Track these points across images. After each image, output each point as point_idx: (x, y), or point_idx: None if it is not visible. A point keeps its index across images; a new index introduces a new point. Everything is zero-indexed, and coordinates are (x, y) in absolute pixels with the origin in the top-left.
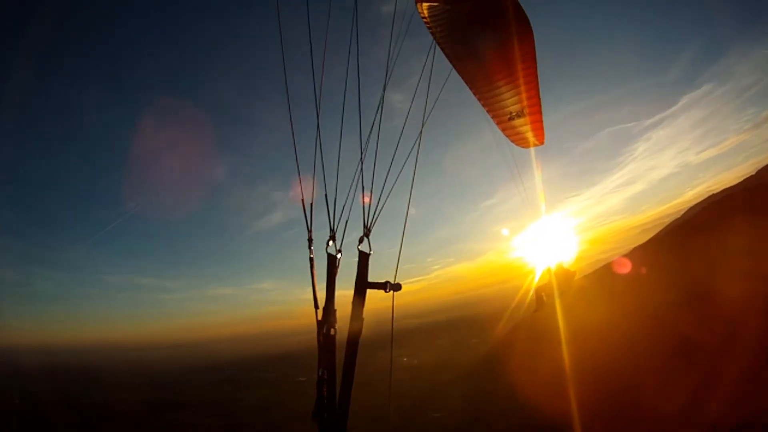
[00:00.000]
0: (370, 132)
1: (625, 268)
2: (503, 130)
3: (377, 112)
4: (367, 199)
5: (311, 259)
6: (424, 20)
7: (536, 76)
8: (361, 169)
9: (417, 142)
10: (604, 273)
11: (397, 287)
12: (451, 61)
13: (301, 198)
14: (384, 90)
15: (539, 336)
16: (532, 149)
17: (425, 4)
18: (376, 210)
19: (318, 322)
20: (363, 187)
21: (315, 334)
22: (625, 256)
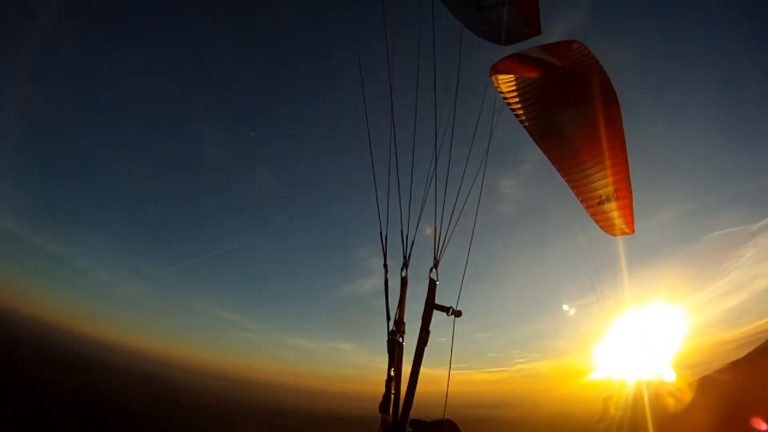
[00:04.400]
0: (428, 184)
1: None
2: (592, 215)
3: (431, 175)
4: (437, 236)
5: (386, 280)
6: (501, 94)
7: (625, 158)
8: (435, 217)
9: (478, 200)
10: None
11: (458, 313)
12: (534, 139)
13: (379, 231)
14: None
15: None
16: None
17: (500, 77)
18: (443, 246)
19: (390, 331)
20: (436, 229)
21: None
22: (719, 371)
